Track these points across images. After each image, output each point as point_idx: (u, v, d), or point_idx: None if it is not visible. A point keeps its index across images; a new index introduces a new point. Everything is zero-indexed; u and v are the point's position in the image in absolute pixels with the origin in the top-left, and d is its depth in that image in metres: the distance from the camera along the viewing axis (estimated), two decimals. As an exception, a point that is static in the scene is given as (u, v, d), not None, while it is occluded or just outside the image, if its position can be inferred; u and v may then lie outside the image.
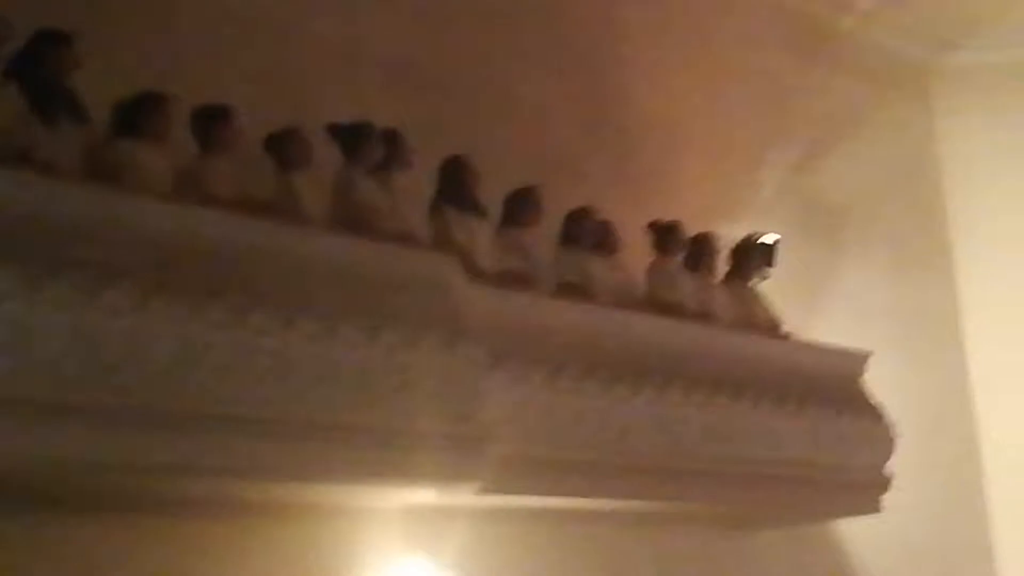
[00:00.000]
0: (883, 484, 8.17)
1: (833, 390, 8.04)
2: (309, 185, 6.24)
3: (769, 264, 8.46)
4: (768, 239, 8.48)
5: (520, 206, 7.20)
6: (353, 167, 6.33)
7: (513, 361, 6.32)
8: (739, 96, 9.47)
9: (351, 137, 6.38)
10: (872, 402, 8.26)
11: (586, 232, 7.47)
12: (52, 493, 5.15)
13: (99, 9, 6.12)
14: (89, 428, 4.66)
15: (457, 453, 5.83)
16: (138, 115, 5.54)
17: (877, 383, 8.44)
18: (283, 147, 6.17)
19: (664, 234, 7.89)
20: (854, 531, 8.97)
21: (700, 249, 8.06)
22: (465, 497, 6.09)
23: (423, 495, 6.04)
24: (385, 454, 5.58)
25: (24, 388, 4.45)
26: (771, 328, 8.26)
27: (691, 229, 8.06)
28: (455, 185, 6.87)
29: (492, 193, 7.06)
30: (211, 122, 5.84)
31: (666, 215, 8.03)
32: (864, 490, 8.13)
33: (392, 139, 6.56)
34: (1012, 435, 10.35)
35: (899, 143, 10.60)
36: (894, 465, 8.23)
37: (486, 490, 5.99)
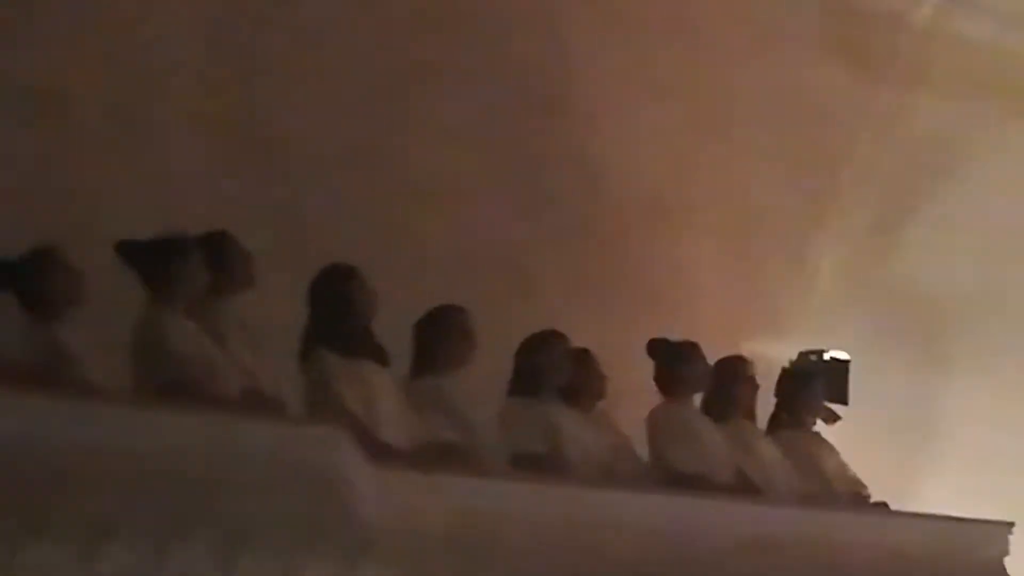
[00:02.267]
0: None
1: (963, 580, 8.07)
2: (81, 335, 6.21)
3: (840, 398, 8.46)
4: (835, 358, 8.52)
5: (440, 340, 7.12)
6: (162, 304, 6.32)
7: (447, 577, 6.08)
8: (770, 138, 9.65)
9: (155, 258, 6.28)
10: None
11: (551, 372, 7.46)
12: None
13: None
14: None
15: None
16: None
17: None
18: (33, 283, 6.10)
19: (672, 362, 7.79)
20: None
21: (728, 382, 8.02)
22: None
23: None
24: None
25: None
26: (855, 497, 8.25)
27: (711, 352, 7.98)
28: (337, 314, 6.81)
29: (390, 320, 6.99)
30: None
31: (671, 333, 7.94)
32: None
33: (218, 247, 6.50)
34: None
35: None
36: None
37: None
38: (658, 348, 7.80)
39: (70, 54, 7.89)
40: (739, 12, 9.88)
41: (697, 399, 8.08)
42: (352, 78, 8.59)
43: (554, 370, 7.39)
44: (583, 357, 7.55)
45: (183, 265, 6.35)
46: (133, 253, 6.37)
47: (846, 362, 8.54)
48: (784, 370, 8.43)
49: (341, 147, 8.33)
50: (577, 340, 7.63)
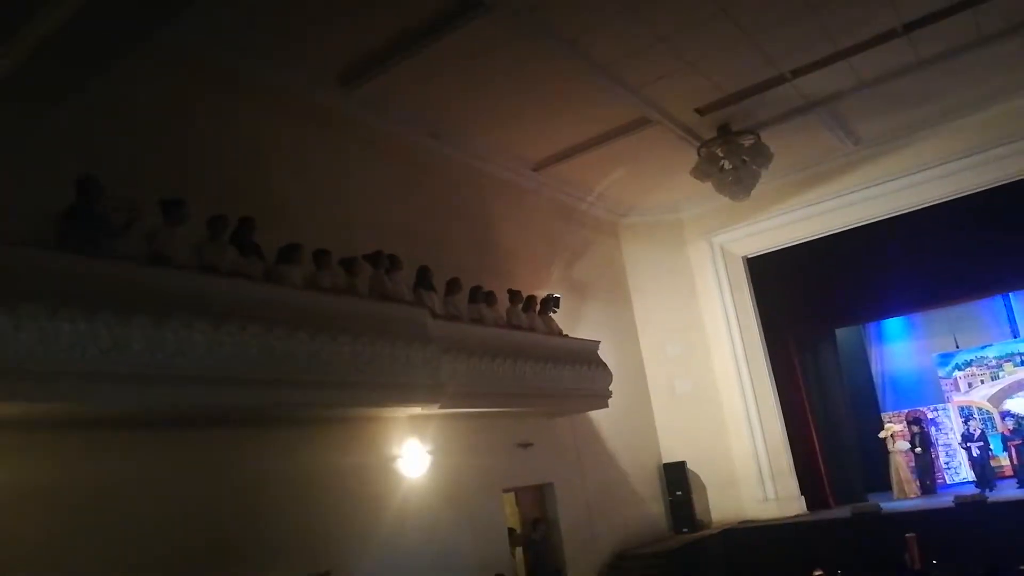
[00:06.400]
0: (607, 395, 8.15)
1: (586, 357, 7.83)
2: (364, 279, 5.94)
3: (557, 307, 8.08)
4: (556, 296, 8.20)
5: (451, 286, 6.91)
6: (378, 272, 6.05)
7: (455, 352, 6.12)
8: (542, 239, 8.95)
9: (378, 261, 6.10)
10: (602, 362, 8.07)
11: (480, 296, 7.13)
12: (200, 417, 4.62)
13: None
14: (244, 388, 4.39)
15: (430, 391, 5.81)
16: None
17: (604, 354, 8.20)
18: (359, 266, 5.82)
19: (515, 295, 7.61)
20: (598, 416, 8.74)
21: (530, 301, 7.76)
22: (434, 409, 6.00)
23: (415, 410, 5.97)
24: (399, 392, 5.56)
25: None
26: (559, 334, 7.92)
27: (525, 293, 7.80)
28: (423, 279, 6.56)
29: (438, 280, 6.73)
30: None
31: (515, 287, 7.80)
32: (600, 398, 8.09)
33: (393, 258, 6.26)
34: (657, 376, 10.22)
35: (607, 258, 10.10)
36: (612, 387, 8.09)
37: (444, 407, 5.98)
38: (510, 291, 7.40)
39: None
40: (531, 208, 8.50)
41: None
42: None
43: (482, 295, 7.03)
44: (490, 292, 7.16)
45: (384, 262, 5.76)
46: (369, 258, 5.75)
47: (558, 297, 7.99)
48: (543, 298, 7.73)
49: (426, 234, 6.98)
50: (488, 288, 7.17)
